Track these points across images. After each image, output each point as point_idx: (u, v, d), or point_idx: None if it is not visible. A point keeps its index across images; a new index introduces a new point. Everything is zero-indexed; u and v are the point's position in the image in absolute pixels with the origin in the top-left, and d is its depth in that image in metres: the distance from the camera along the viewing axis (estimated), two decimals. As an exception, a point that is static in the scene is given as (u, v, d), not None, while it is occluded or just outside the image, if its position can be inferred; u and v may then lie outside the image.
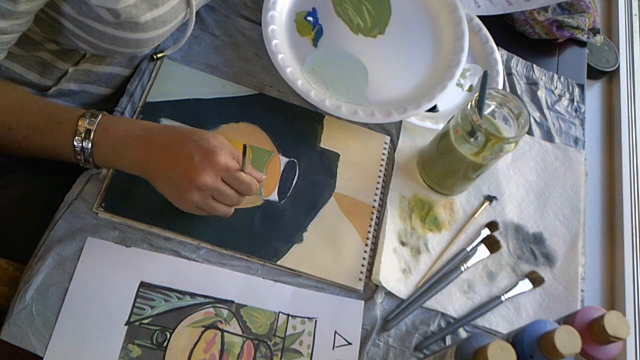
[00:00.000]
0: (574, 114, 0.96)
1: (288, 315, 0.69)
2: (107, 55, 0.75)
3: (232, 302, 0.68)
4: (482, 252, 0.78)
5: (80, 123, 0.62)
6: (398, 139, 0.84)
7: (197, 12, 0.86)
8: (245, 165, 0.64)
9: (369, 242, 0.75)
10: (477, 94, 0.71)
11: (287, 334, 0.68)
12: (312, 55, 0.83)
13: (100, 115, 0.63)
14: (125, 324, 0.64)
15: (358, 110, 0.80)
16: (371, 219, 0.77)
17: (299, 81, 0.79)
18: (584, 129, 0.95)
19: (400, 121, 0.85)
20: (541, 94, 0.96)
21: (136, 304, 0.65)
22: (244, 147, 0.64)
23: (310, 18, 0.86)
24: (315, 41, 0.85)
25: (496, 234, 0.80)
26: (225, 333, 0.66)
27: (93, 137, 0.62)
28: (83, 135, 0.62)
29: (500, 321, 0.75)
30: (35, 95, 0.66)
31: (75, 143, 0.62)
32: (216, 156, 0.62)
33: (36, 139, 0.63)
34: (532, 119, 0.93)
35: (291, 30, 0.85)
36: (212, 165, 0.61)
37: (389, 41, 0.87)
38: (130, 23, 0.62)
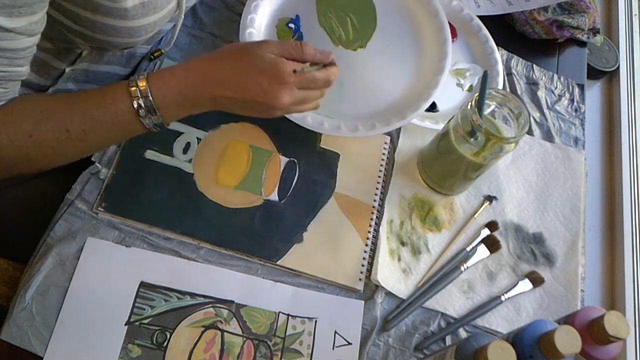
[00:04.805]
0: (574, 114, 0.96)
1: (288, 315, 0.69)
2: (102, 49, 0.74)
3: (232, 302, 0.68)
4: (482, 252, 0.78)
5: (133, 93, 0.59)
6: (398, 139, 0.84)
7: (195, 12, 0.86)
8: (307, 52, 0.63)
9: (369, 242, 0.75)
10: (477, 94, 0.71)
11: (287, 334, 0.68)
12: None
13: (145, 81, 0.60)
14: (125, 324, 0.64)
15: (324, 122, 0.78)
16: (371, 219, 0.77)
17: None
18: (584, 129, 0.95)
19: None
20: (541, 94, 0.96)
21: (136, 304, 0.65)
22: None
23: (291, 25, 0.85)
24: None
25: (496, 234, 0.80)
26: (225, 333, 0.66)
27: (153, 102, 0.59)
28: (144, 105, 0.59)
29: (500, 321, 0.75)
30: (72, 94, 0.63)
31: (142, 119, 0.60)
32: (281, 73, 0.61)
33: (98, 129, 0.60)
34: (532, 119, 0.93)
35: (271, 36, 0.83)
36: (284, 84, 0.61)
37: (369, 56, 0.84)
38: (118, 10, 0.61)
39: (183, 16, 0.73)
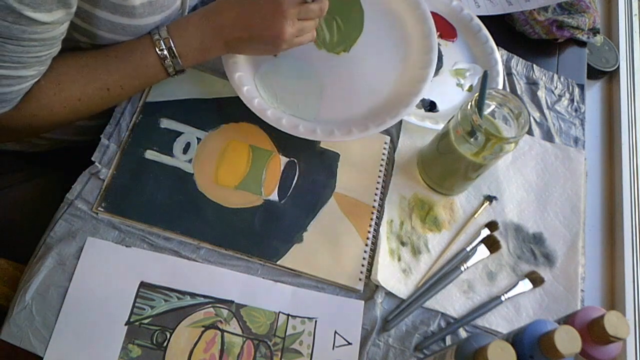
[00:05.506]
0: (574, 114, 0.96)
1: (288, 315, 0.69)
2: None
3: (232, 302, 0.68)
4: (482, 252, 0.78)
5: (158, 48, 0.67)
6: (398, 139, 0.84)
7: (195, 6, 0.86)
8: None
9: (369, 242, 0.75)
10: (477, 94, 0.71)
11: (287, 334, 0.68)
12: (269, 64, 0.81)
13: (166, 32, 0.67)
14: (125, 324, 0.64)
15: (300, 125, 0.77)
16: (371, 219, 0.77)
17: (246, 87, 0.77)
18: (584, 129, 0.95)
19: (400, 121, 0.84)
20: (541, 94, 0.96)
21: (136, 304, 0.65)
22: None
23: None
24: None
25: (496, 234, 0.80)
26: (225, 333, 0.66)
27: (176, 53, 0.68)
28: (168, 55, 0.68)
29: (500, 321, 0.75)
30: (101, 51, 0.69)
31: (167, 69, 0.69)
32: (282, 7, 0.67)
33: (132, 84, 0.69)
34: (532, 119, 0.93)
35: None
36: (285, 17, 0.67)
37: (352, 61, 0.83)
38: (126, 7, 0.62)
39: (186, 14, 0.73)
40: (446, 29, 0.95)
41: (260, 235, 0.72)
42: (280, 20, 0.67)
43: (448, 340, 0.73)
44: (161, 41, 0.67)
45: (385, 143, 0.83)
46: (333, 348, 0.68)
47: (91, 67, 0.66)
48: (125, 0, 0.61)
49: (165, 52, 0.67)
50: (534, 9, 1.00)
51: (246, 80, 0.78)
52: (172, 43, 0.67)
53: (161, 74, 0.70)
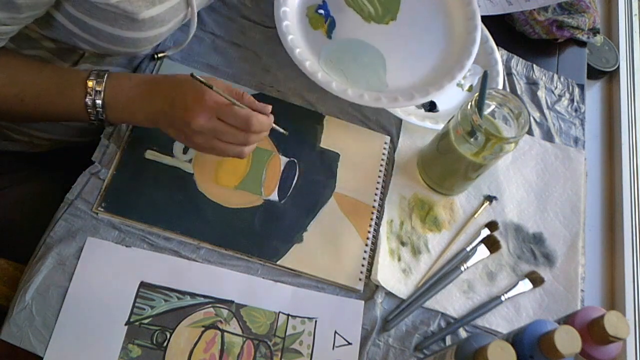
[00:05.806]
0: (574, 114, 0.96)
1: (288, 315, 0.69)
2: (106, 54, 0.75)
3: (232, 302, 0.68)
4: (482, 252, 0.78)
5: (89, 85, 0.64)
6: (398, 139, 0.84)
7: (197, 13, 0.86)
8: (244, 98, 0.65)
9: (369, 242, 0.75)
10: (477, 94, 0.71)
11: (287, 334, 0.68)
12: (328, 47, 0.84)
13: (105, 76, 0.65)
14: (125, 324, 0.64)
15: (381, 96, 0.80)
16: (371, 219, 0.77)
17: (319, 74, 0.80)
18: (584, 129, 0.95)
19: (400, 121, 0.85)
20: (541, 94, 0.96)
21: (136, 304, 0.65)
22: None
23: (321, 11, 0.86)
24: (329, 33, 0.85)
25: (496, 234, 0.80)
26: (225, 333, 0.66)
27: (104, 98, 0.64)
28: (94, 96, 0.64)
29: (500, 321, 0.75)
30: (38, 62, 0.67)
31: (88, 108, 0.65)
32: (205, 95, 0.63)
33: (48, 106, 0.66)
34: (532, 119, 0.93)
35: (304, 25, 0.85)
36: (201, 106, 0.62)
37: (402, 26, 0.87)
38: (127, 19, 0.62)
39: (195, 27, 0.74)
40: (446, 29, 0.95)
41: (260, 235, 0.72)
42: (197, 108, 0.62)
43: (448, 340, 0.73)
44: (94, 84, 0.64)
45: (385, 143, 0.83)
46: (333, 348, 0.68)
47: (17, 71, 0.64)
48: (126, 13, 0.61)
49: (93, 97, 0.64)
50: (534, 9, 1.00)
51: (316, 66, 0.81)
52: (103, 91, 0.64)
53: (82, 115, 0.66)
